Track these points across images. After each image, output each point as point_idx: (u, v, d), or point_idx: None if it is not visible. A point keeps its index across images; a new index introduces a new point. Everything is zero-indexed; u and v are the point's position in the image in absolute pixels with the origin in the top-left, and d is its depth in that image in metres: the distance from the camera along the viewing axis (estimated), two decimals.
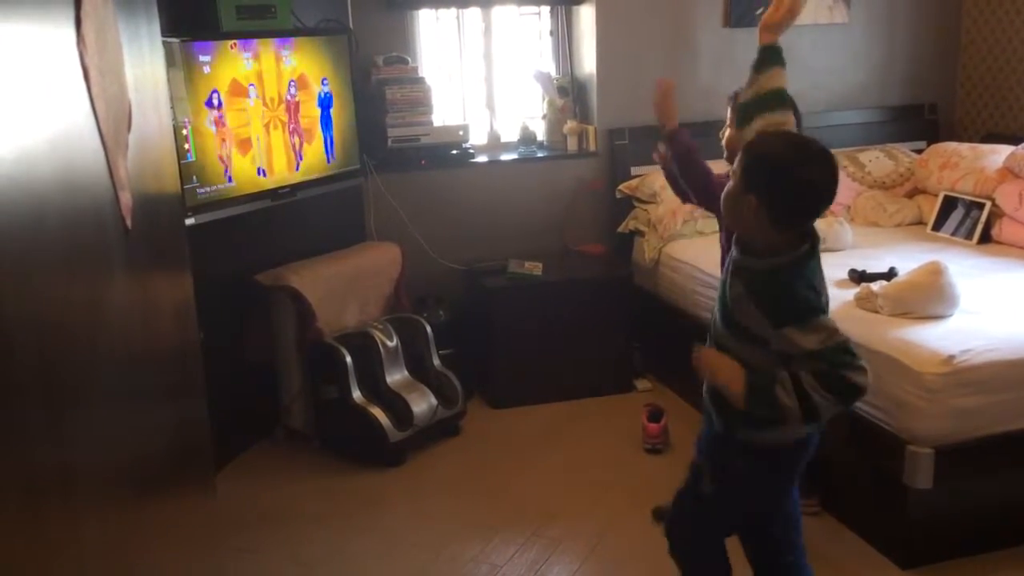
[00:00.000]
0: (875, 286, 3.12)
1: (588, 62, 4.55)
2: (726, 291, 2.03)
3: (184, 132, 3.19)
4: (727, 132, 2.81)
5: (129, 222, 1.60)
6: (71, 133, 1.41)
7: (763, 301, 1.92)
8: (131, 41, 1.69)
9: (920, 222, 4.31)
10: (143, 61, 1.78)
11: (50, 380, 1.33)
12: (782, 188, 1.87)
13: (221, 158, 3.36)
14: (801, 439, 2.08)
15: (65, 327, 1.39)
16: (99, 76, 1.42)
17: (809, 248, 1.93)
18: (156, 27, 1.85)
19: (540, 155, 4.55)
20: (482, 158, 4.48)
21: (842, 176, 4.47)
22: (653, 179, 4.34)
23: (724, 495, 2.16)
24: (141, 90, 1.74)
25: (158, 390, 1.86)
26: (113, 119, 1.50)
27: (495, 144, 4.66)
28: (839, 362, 1.86)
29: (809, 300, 1.91)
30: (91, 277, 1.50)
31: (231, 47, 3.38)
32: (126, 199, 1.57)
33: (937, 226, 4.15)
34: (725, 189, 1.99)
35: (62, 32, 1.39)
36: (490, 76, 4.62)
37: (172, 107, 3.09)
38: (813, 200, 1.91)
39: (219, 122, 3.34)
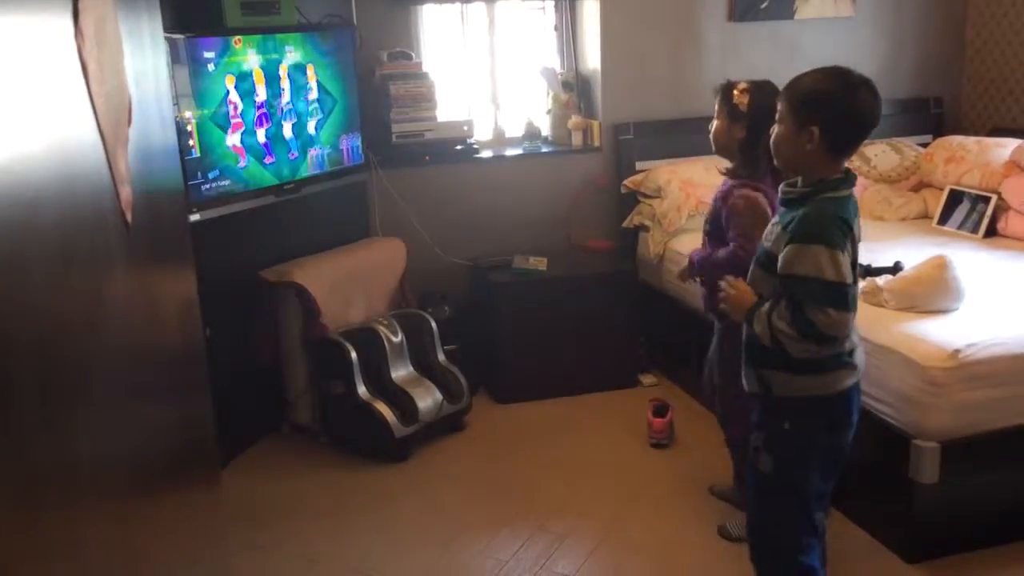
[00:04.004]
0: (880, 280, 3.10)
1: (592, 57, 4.54)
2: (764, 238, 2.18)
3: (189, 128, 3.20)
4: (715, 124, 2.78)
5: (130, 217, 1.58)
6: (69, 127, 1.40)
7: (791, 220, 2.04)
8: (132, 35, 1.68)
9: (926, 216, 4.30)
10: (144, 55, 1.77)
11: (48, 378, 1.32)
12: (839, 115, 2.02)
13: (225, 154, 3.37)
14: (842, 391, 2.12)
15: (64, 324, 1.37)
16: (98, 70, 1.41)
17: (843, 176, 2.06)
18: (158, 21, 1.84)
19: (545, 150, 4.55)
20: (486, 153, 4.47)
21: None
22: (658, 174, 4.33)
23: (783, 465, 2.16)
24: (142, 84, 1.73)
25: (161, 387, 1.85)
26: (113, 113, 1.49)
27: (499, 139, 4.66)
28: (810, 295, 1.96)
29: (828, 226, 1.99)
30: (91, 273, 1.48)
31: (236, 43, 3.38)
32: (126, 194, 1.56)
33: (943, 220, 4.13)
34: (774, 136, 2.12)
35: (60, 24, 1.38)
36: (494, 71, 4.61)
37: (177, 103, 3.11)
38: (866, 123, 2.05)
39: (223, 118, 3.35)
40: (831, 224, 1.99)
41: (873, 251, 3.60)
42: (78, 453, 1.40)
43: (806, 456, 2.16)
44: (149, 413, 1.76)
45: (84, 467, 1.43)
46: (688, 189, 4.15)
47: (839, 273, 1.96)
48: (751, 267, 2.23)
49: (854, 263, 2.07)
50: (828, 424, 2.15)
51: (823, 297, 1.95)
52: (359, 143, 4.02)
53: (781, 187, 2.15)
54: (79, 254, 1.43)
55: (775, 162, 2.18)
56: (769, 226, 2.18)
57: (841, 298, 1.97)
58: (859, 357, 2.16)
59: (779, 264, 2.03)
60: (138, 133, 1.67)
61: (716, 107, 2.79)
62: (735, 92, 2.71)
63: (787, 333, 2.00)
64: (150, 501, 1.76)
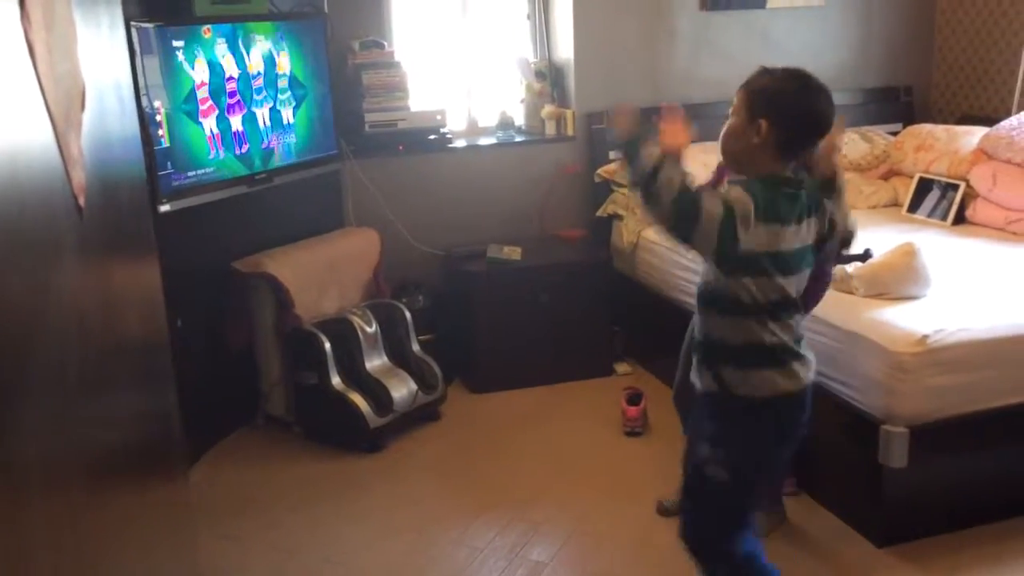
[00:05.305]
0: (850, 267, 3.13)
1: (565, 46, 4.54)
2: None
3: (158, 118, 3.16)
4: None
5: (82, 201, 1.54)
6: (13, 110, 1.35)
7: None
8: (87, 20, 1.64)
9: (895, 204, 4.33)
10: (101, 41, 1.73)
11: None
12: (790, 114, 2.00)
13: (196, 144, 3.34)
14: (800, 390, 2.09)
15: (4, 313, 1.30)
16: (46, 52, 1.37)
17: (793, 177, 2.01)
18: (117, 8, 1.80)
19: (518, 140, 4.54)
20: (460, 143, 4.46)
21: None
22: None
23: (739, 468, 2.10)
24: (99, 71, 1.69)
25: (118, 380, 1.79)
26: (64, 97, 1.46)
27: (473, 129, 4.65)
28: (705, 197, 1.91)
29: (761, 188, 1.95)
30: (36, 260, 1.42)
31: (205, 32, 3.35)
32: (79, 178, 1.52)
33: (912, 208, 4.17)
34: (725, 129, 2.08)
35: (3, 7, 1.33)
36: (467, 61, 4.59)
37: (147, 93, 3.08)
38: (815, 127, 2.03)
39: (193, 108, 3.32)
40: (766, 189, 1.96)
41: None
42: (20, 452, 1.33)
43: (761, 462, 2.14)
44: (103, 407, 1.70)
45: (26, 467, 1.35)
46: None
47: (725, 206, 1.90)
48: None
49: (823, 240, 2.07)
50: (790, 424, 2.11)
51: (705, 200, 1.90)
52: (332, 132, 3.99)
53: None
54: (24, 241, 1.36)
55: (720, 156, 2.13)
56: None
57: (695, 210, 1.89)
58: (810, 356, 2.12)
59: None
60: (95, 120, 1.63)
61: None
62: None
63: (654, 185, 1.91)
64: (107, 498, 1.70)
